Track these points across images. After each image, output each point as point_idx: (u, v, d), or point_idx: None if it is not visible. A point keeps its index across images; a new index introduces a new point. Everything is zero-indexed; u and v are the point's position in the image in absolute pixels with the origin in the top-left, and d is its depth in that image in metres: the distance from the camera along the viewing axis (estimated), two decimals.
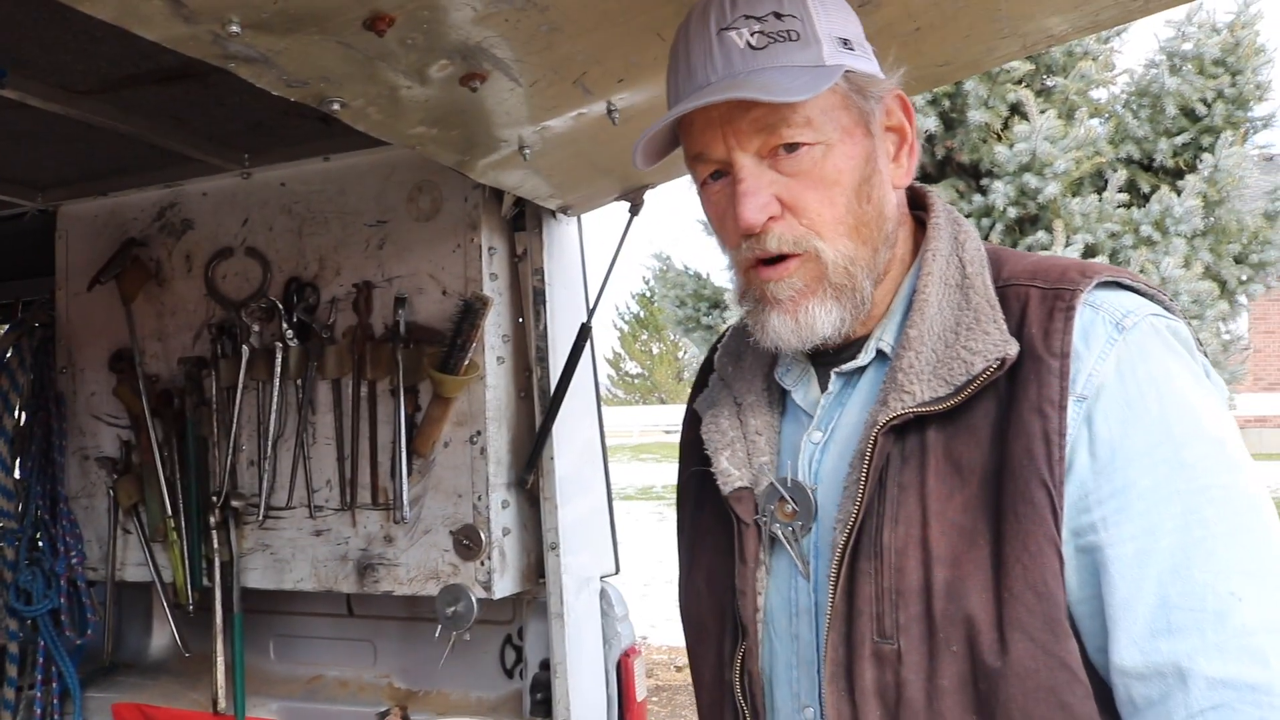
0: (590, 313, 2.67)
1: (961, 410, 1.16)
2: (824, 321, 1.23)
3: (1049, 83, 9.06)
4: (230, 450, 2.77)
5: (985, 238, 8.58)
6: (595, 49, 1.74)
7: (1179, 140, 8.72)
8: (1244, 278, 8.79)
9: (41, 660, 2.98)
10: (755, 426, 1.37)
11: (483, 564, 2.47)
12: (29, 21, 1.95)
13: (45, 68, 2.16)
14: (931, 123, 8.69)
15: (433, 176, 2.57)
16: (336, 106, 1.76)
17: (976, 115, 8.56)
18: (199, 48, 1.51)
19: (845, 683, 1.17)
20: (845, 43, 1.23)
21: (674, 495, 1.62)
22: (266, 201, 2.81)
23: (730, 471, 1.33)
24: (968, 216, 8.73)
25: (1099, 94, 9.20)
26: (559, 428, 2.55)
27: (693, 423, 1.49)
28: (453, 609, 2.46)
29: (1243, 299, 9.03)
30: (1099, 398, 1.11)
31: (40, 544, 3.03)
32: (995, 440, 1.14)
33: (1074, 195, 8.50)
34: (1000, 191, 8.42)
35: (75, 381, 3.08)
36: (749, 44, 1.18)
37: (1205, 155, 8.42)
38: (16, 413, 3.06)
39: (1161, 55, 8.97)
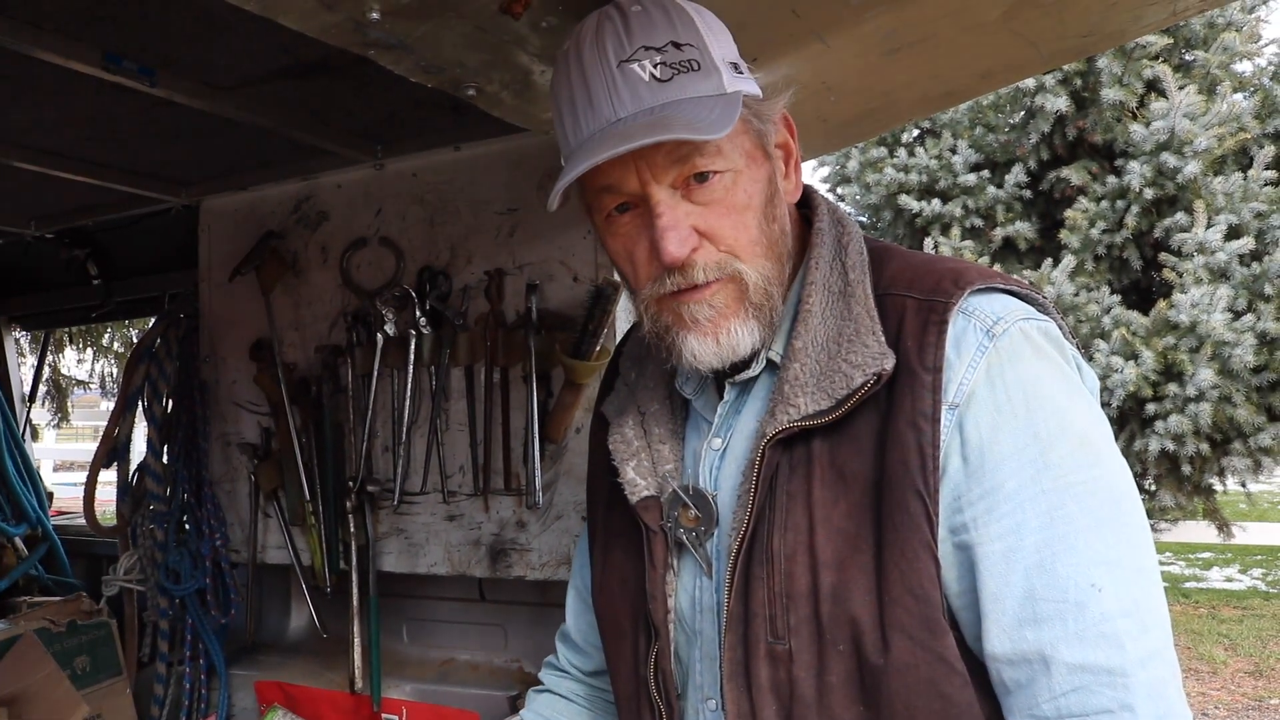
0: None
1: (844, 420, 1.22)
2: (745, 341, 1.28)
3: (1188, 57, 8.67)
4: (365, 436, 2.83)
5: (1120, 220, 8.30)
6: (730, 28, 1.71)
7: None
8: None
9: (189, 638, 3.10)
10: (659, 435, 1.43)
11: None
12: (177, 21, 2.01)
13: (191, 66, 2.23)
14: (1062, 102, 8.39)
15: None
16: (472, 92, 1.78)
17: (1110, 93, 8.24)
18: (340, 35, 1.54)
19: (743, 680, 1.24)
20: (735, 67, 1.27)
21: None
22: (399, 192, 2.86)
23: (637, 481, 1.39)
24: (1101, 199, 8.46)
25: (1243, 67, 8.75)
26: None
27: (602, 426, 1.53)
28: None
29: None
30: (970, 404, 1.17)
31: (187, 526, 3.14)
32: (876, 450, 1.19)
33: (1216, 174, 8.11)
34: (1136, 172, 8.08)
35: (218, 370, 3.18)
36: (654, 76, 1.21)
37: None
38: (165, 400, 3.17)
39: None
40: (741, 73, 1.27)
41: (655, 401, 1.45)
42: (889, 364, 1.18)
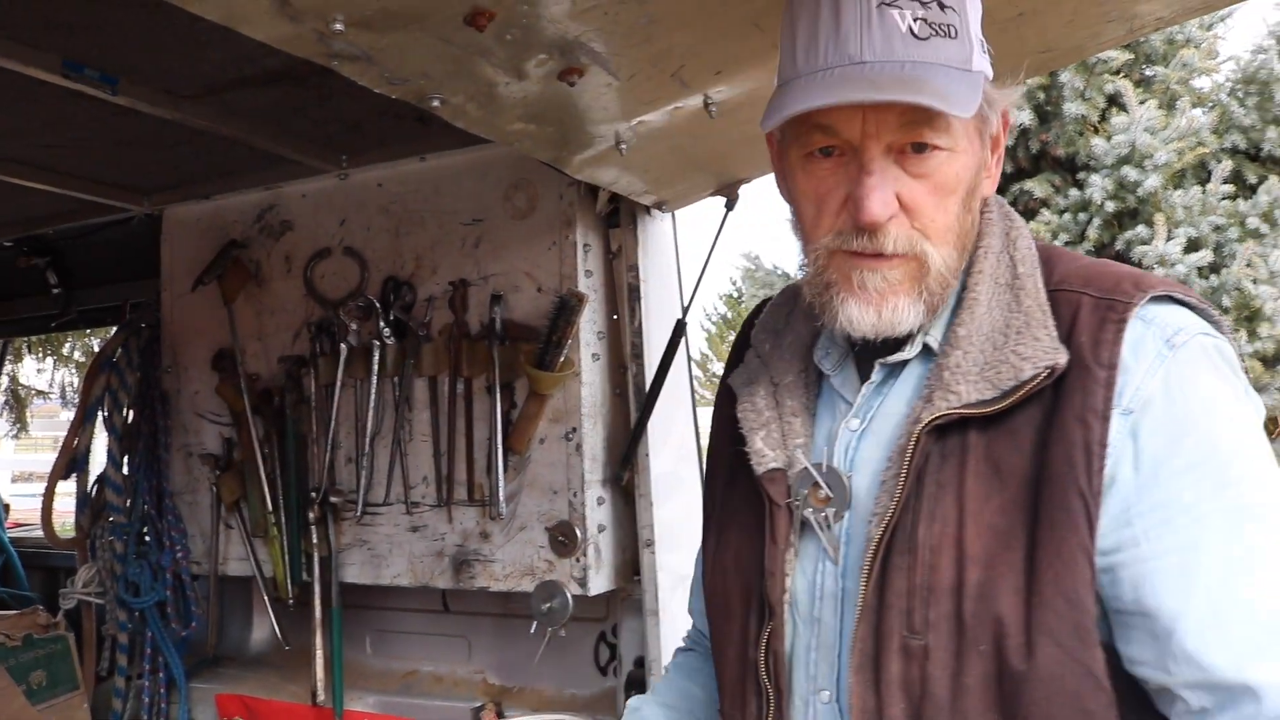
0: (685, 309, 2.66)
1: (1004, 414, 1.16)
2: (907, 320, 1.22)
3: (1148, 72, 8.80)
4: (329, 447, 2.81)
5: (1082, 233, 8.39)
6: (694, 41, 1.73)
7: None
8: None
9: (149, 651, 3.07)
10: (791, 408, 1.36)
11: (578, 560, 2.47)
12: (139, 29, 1.99)
13: (153, 74, 2.21)
14: (1026, 116, 8.49)
15: (528, 174, 2.58)
16: (436, 103, 1.77)
17: (1072, 108, 8.35)
18: (303, 46, 1.53)
19: (871, 674, 1.17)
20: (983, 44, 1.21)
21: None
22: (364, 202, 2.85)
23: (765, 452, 1.32)
24: (1064, 212, 8.55)
25: (1202, 82, 8.90)
26: (654, 425, 2.53)
27: (727, 399, 1.47)
28: (548, 605, 2.47)
29: None
30: (1145, 412, 1.11)
31: (147, 538, 3.11)
32: (1037, 446, 1.14)
33: (1176, 188, 8.23)
34: (1098, 185, 8.20)
35: (180, 380, 3.15)
36: (911, 30, 1.14)
37: None
38: (125, 410, 3.14)
39: (1270, 40, 8.63)
40: (985, 52, 1.22)
41: (790, 374, 1.39)
42: (1062, 359, 1.13)
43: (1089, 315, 1.16)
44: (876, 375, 1.30)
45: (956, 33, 1.15)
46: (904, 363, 1.29)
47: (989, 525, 1.13)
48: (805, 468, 1.29)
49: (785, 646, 1.29)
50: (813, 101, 1.14)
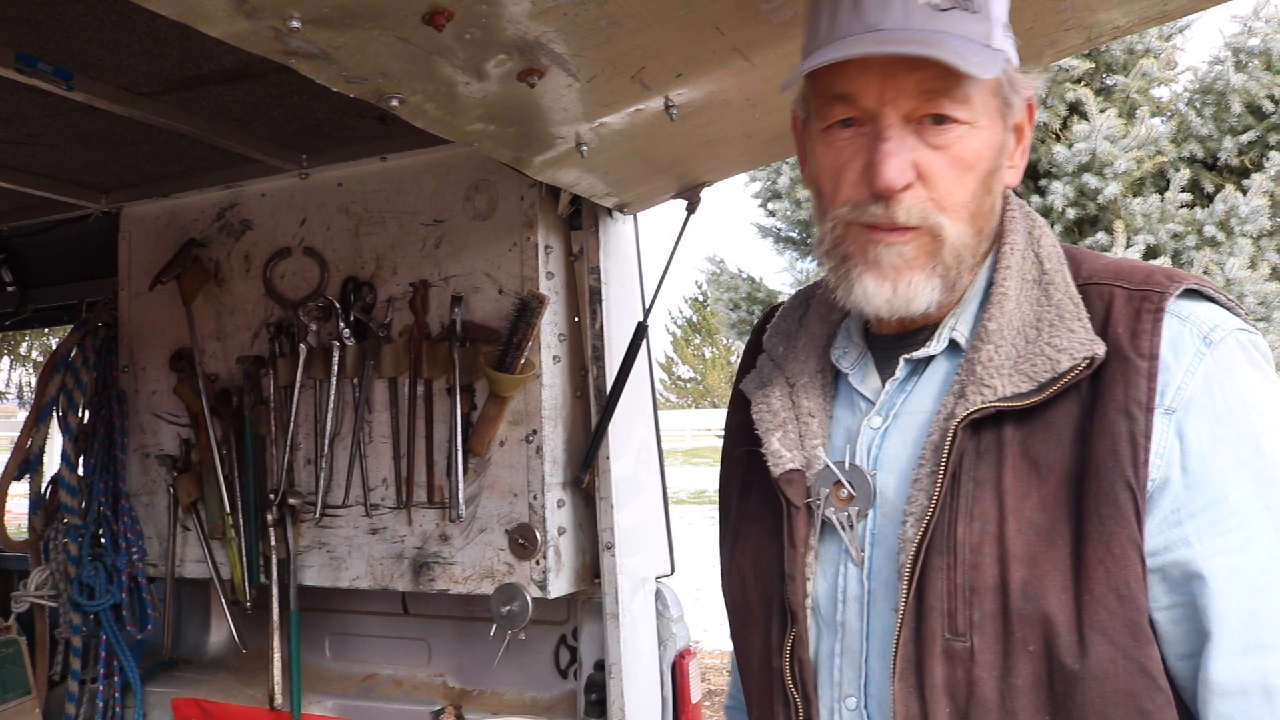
0: (646, 312, 2.66)
1: (1040, 408, 1.14)
2: (923, 297, 1.20)
3: (1109, 81, 8.90)
4: (288, 448, 2.79)
5: None
6: (654, 43, 1.73)
7: (1245, 138, 8.52)
8: None
9: (104, 654, 3.03)
10: (808, 408, 1.34)
11: (538, 563, 2.46)
12: (95, 24, 1.97)
13: (110, 70, 2.19)
14: None
15: (489, 175, 2.57)
16: (395, 103, 1.76)
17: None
18: (260, 44, 1.52)
19: (915, 679, 1.14)
20: (1006, 28, 1.20)
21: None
22: (324, 202, 2.83)
23: (781, 453, 1.30)
24: None
25: (1161, 92, 9.02)
26: (615, 428, 2.53)
27: (740, 404, 1.45)
28: (508, 608, 2.46)
29: None
30: (1189, 411, 1.10)
31: (102, 540, 3.07)
32: (1077, 440, 1.12)
33: (1135, 195, 8.34)
34: (1059, 192, 8.28)
35: (137, 380, 3.12)
36: (931, 2, 1.13)
37: (1272, 153, 8.20)
38: (81, 411, 3.10)
39: (1227, 51, 8.76)
40: (1009, 36, 1.21)
41: (805, 374, 1.37)
42: (1100, 350, 1.12)
43: (1124, 307, 1.16)
44: (901, 371, 1.29)
45: (978, 9, 1.15)
46: (929, 358, 1.27)
47: (1030, 522, 1.11)
48: (827, 466, 1.27)
49: (810, 653, 1.26)
50: (824, 58, 1.13)
